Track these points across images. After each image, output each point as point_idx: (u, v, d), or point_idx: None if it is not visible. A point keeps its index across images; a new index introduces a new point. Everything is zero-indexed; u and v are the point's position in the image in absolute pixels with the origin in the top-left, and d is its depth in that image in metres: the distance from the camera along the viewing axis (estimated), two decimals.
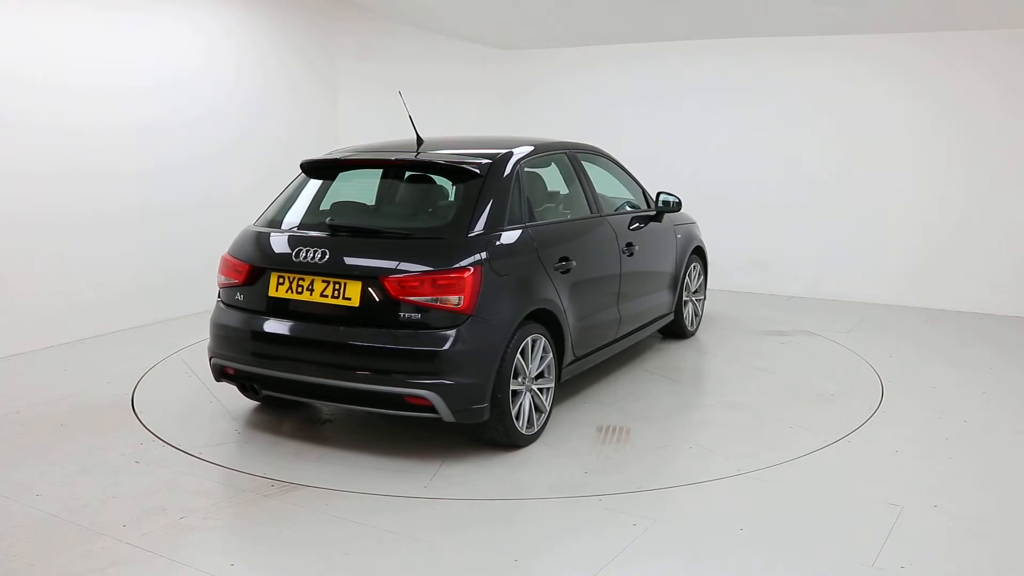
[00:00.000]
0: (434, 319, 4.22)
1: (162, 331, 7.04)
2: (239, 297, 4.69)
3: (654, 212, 6.26)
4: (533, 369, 4.62)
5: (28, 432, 4.87)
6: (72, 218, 6.66)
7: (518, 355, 4.46)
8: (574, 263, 4.99)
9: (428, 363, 4.18)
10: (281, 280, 4.53)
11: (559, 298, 4.80)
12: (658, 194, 6.31)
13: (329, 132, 8.70)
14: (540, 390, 4.71)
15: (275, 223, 4.91)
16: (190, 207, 7.45)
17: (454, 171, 4.77)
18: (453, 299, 4.21)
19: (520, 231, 4.69)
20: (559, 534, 3.75)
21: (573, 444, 4.71)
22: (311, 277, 4.44)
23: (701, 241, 7.06)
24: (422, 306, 4.21)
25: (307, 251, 4.48)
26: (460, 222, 4.49)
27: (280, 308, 4.54)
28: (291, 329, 4.47)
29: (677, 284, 6.53)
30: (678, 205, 6.32)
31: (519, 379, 4.52)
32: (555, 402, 5.04)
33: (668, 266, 6.40)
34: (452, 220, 4.55)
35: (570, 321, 4.91)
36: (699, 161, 8.98)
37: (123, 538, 3.64)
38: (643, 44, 9.21)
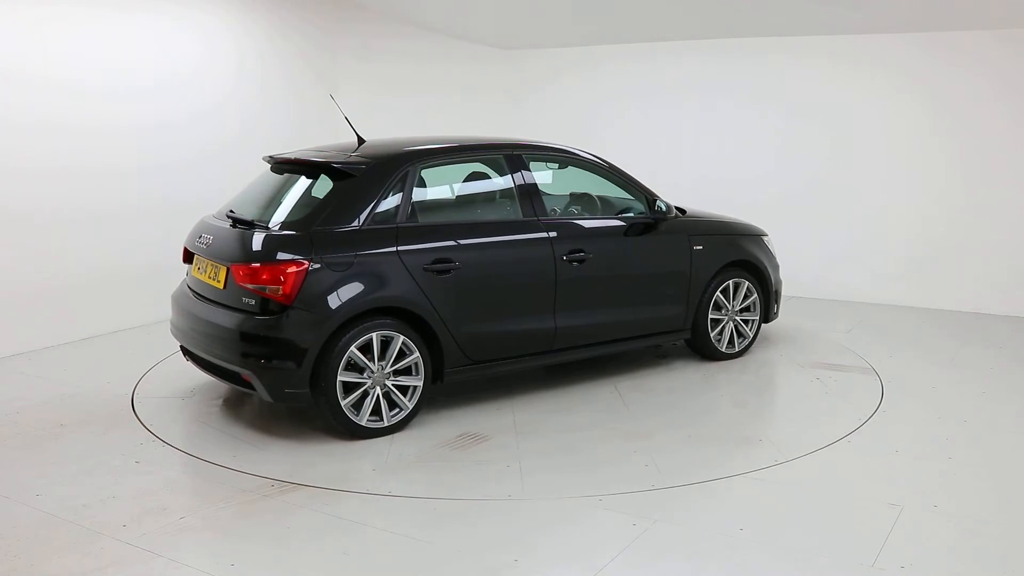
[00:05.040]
0: (262, 306, 4.62)
1: (162, 331, 6.99)
2: (186, 275, 5.41)
3: (639, 219, 5.81)
4: (386, 365, 4.72)
5: (28, 432, 4.88)
6: (72, 217, 6.66)
7: (353, 349, 4.61)
8: (459, 265, 4.97)
9: (248, 345, 4.62)
10: (196, 262, 5.19)
11: (428, 299, 4.84)
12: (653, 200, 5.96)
13: (329, 132, 8.68)
14: (402, 388, 4.80)
15: (219, 213, 5.37)
16: (190, 206, 7.38)
17: (334, 171, 5.02)
18: (278, 289, 4.55)
19: (380, 230, 4.82)
20: (559, 533, 3.76)
21: (414, 444, 4.69)
22: (206, 261, 5.01)
23: (750, 255, 6.26)
24: (255, 293, 4.62)
25: (203, 237, 5.09)
26: (311, 218, 4.80)
27: (194, 287, 5.17)
28: (194, 307, 5.04)
29: (689, 298, 5.99)
30: (664, 212, 5.86)
31: (363, 373, 4.67)
32: (467, 402, 5.21)
33: (670, 278, 5.92)
34: (306, 216, 4.85)
35: (454, 325, 4.94)
36: (698, 161, 8.97)
37: (123, 538, 3.65)
38: (643, 44, 9.19)
